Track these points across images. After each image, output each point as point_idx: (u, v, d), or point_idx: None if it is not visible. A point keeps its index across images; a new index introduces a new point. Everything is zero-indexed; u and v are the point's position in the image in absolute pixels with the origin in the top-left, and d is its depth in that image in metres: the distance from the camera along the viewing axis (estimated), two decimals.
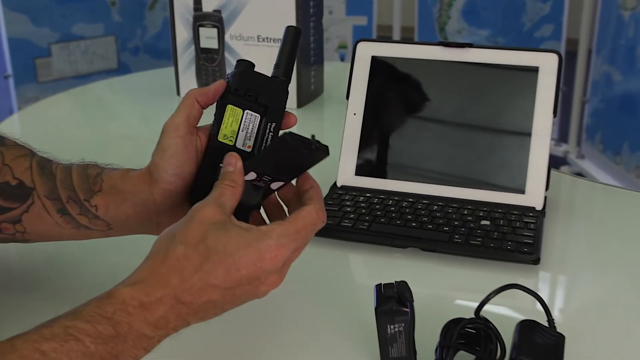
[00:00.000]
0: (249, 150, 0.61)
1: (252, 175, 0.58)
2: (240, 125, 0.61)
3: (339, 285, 0.72)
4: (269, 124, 0.61)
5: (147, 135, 1.25)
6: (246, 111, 0.61)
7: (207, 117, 0.63)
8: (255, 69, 0.62)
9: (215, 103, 0.62)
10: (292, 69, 0.63)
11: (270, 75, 0.62)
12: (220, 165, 0.58)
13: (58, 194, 0.62)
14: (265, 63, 0.64)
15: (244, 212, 0.58)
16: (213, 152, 0.61)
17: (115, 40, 2.80)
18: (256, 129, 0.61)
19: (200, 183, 0.61)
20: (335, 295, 0.70)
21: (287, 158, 0.56)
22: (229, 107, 0.61)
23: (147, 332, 0.49)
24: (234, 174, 0.56)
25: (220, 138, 0.61)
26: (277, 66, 0.62)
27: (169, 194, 0.61)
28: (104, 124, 1.32)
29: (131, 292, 0.49)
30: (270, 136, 0.61)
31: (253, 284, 0.51)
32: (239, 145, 0.61)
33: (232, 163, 0.57)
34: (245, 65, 0.62)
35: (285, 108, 0.62)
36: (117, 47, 2.81)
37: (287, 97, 0.62)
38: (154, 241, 0.53)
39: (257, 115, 0.61)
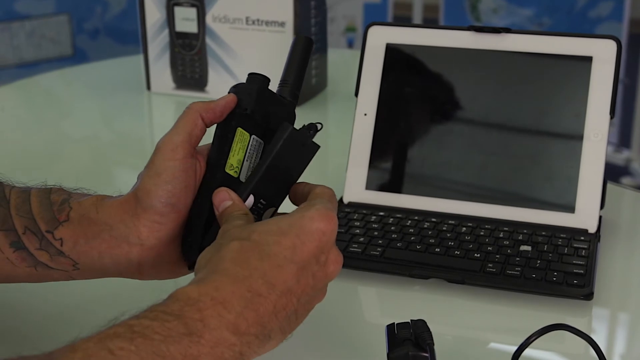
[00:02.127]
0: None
1: (250, 202, 0.60)
2: (246, 153, 0.62)
3: (344, 325, 0.73)
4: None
5: (109, 139, 1.27)
6: (253, 136, 0.62)
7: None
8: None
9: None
10: (301, 87, 0.64)
11: (275, 91, 0.64)
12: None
13: (12, 224, 0.61)
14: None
15: None
16: (215, 185, 0.60)
17: (69, 20, 2.82)
18: (258, 159, 0.62)
19: (195, 221, 0.61)
20: (340, 336, 0.70)
21: (286, 162, 0.60)
22: (239, 130, 0.61)
23: (226, 335, 0.49)
24: (235, 207, 0.59)
25: (227, 169, 0.61)
26: (284, 83, 0.64)
27: (158, 228, 0.60)
28: (56, 125, 1.33)
29: (197, 288, 0.51)
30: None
31: (320, 262, 0.55)
32: (242, 178, 0.62)
33: (227, 197, 0.59)
34: (261, 82, 0.62)
35: None
36: (71, 29, 2.83)
37: (294, 123, 0.63)
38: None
39: (262, 142, 0.63)
